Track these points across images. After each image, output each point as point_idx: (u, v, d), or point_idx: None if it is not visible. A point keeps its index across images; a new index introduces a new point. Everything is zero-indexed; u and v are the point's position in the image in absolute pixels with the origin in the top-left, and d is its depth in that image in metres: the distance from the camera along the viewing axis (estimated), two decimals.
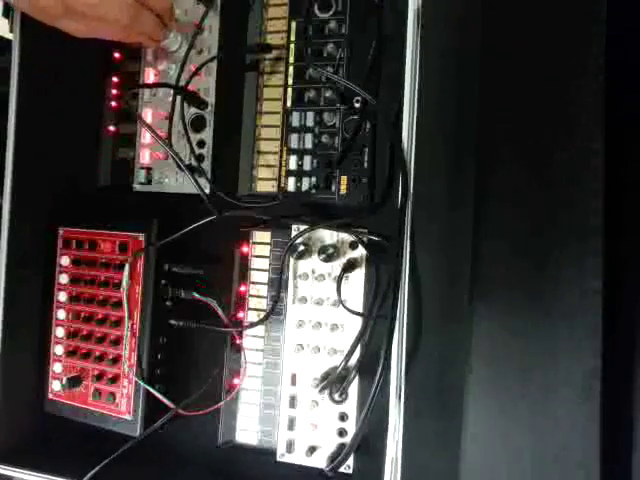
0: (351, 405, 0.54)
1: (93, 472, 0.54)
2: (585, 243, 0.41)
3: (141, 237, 0.59)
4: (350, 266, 0.54)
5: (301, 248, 0.54)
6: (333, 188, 0.56)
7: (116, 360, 0.59)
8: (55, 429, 0.63)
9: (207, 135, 0.61)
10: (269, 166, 0.59)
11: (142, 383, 0.57)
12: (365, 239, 0.54)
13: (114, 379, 0.59)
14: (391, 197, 0.53)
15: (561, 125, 0.43)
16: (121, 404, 0.59)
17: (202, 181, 0.57)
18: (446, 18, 0.49)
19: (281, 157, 0.58)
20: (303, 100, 0.58)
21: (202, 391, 0.58)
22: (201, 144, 0.61)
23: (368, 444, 0.52)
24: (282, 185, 0.58)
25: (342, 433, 0.54)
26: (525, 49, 0.45)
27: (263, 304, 0.58)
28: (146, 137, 0.63)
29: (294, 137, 0.58)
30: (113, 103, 0.65)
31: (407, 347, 0.47)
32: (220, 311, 0.57)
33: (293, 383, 0.56)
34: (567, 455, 0.40)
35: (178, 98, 0.58)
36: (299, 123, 0.58)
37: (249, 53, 0.60)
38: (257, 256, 0.59)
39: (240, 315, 0.59)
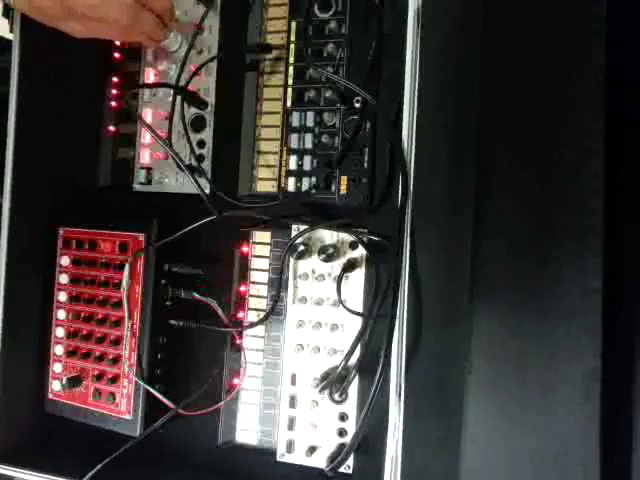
0: (351, 405, 0.54)
1: (93, 472, 0.54)
2: (585, 243, 0.41)
3: (141, 237, 0.59)
4: (350, 266, 0.54)
5: (301, 248, 0.54)
6: (333, 188, 0.56)
7: (116, 360, 0.59)
8: (55, 429, 0.63)
9: (207, 135, 0.61)
10: (269, 166, 0.59)
11: (142, 383, 0.57)
12: (365, 239, 0.54)
13: (114, 379, 0.59)
14: (391, 197, 0.53)
15: (561, 125, 0.43)
16: (121, 404, 0.59)
17: (202, 181, 0.57)
18: (446, 18, 0.49)
19: (281, 157, 0.58)
20: (303, 100, 0.58)
21: (202, 391, 0.58)
22: (201, 144, 0.61)
23: (368, 444, 0.52)
24: (282, 185, 0.58)
25: (342, 433, 0.54)
26: (525, 49, 0.45)
27: (263, 304, 0.58)
28: (146, 137, 0.63)
29: (294, 137, 0.58)
30: (113, 103, 0.65)
31: (407, 346, 0.47)
32: (220, 311, 0.57)
33: (293, 383, 0.56)
34: (567, 455, 0.40)
35: (178, 98, 0.58)
36: (299, 123, 0.58)
37: (249, 53, 0.60)
38: (257, 256, 0.59)
39: (240, 315, 0.59)
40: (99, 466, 0.55)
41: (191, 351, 0.62)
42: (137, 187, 0.63)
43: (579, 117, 0.43)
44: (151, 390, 0.56)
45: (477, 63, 0.46)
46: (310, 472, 0.55)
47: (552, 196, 0.43)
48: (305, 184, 0.57)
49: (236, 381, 0.58)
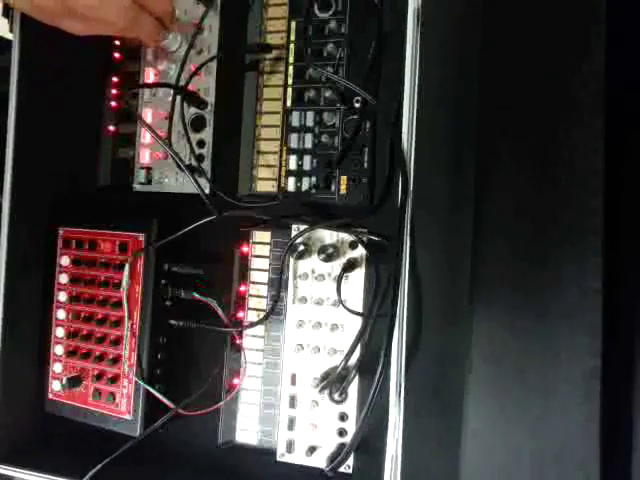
0: (351, 405, 0.54)
1: (93, 472, 0.54)
2: (585, 243, 0.41)
3: (141, 237, 0.59)
4: (350, 266, 0.54)
5: (301, 248, 0.54)
6: (333, 188, 0.56)
7: (116, 360, 0.59)
8: (55, 429, 0.63)
9: (207, 135, 0.61)
10: (269, 166, 0.59)
11: (142, 383, 0.57)
12: (365, 239, 0.54)
13: (114, 379, 0.59)
14: (391, 197, 0.53)
15: (561, 124, 0.43)
16: (121, 404, 0.59)
17: (202, 181, 0.57)
18: (446, 17, 0.49)
19: (281, 157, 0.58)
20: (303, 100, 0.58)
21: (202, 391, 0.58)
22: (201, 144, 0.61)
23: (368, 444, 0.52)
24: (282, 185, 0.58)
25: (342, 433, 0.54)
26: (525, 48, 0.45)
27: (263, 304, 0.58)
28: (146, 137, 0.63)
29: (294, 137, 0.58)
30: (113, 103, 0.65)
31: (407, 346, 0.47)
32: (220, 311, 0.57)
33: (293, 383, 0.56)
34: (567, 455, 0.40)
35: (178, 98, 0.58)
36: (299, 123, 0.58)
37: (249, 53, 0.60)
38: (257, 256, 0.59)
39: (240, 315, 0.59)
40: (99, 466, 0.55)
41: (191, 351, 0.62)
42: (137, 187, 0.63)
43: (579, 116, 0.43)
44: (151, 390, 0.56)
45: (477, 62, 0.46)
46: (310, 472, 0.55)
47: (552, 196, 0.43)
48: (305, 184, 0.57)
49: (236, 381, 0.58)
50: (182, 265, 0.60)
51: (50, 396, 0.63)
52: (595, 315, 0.40)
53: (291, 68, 0.58)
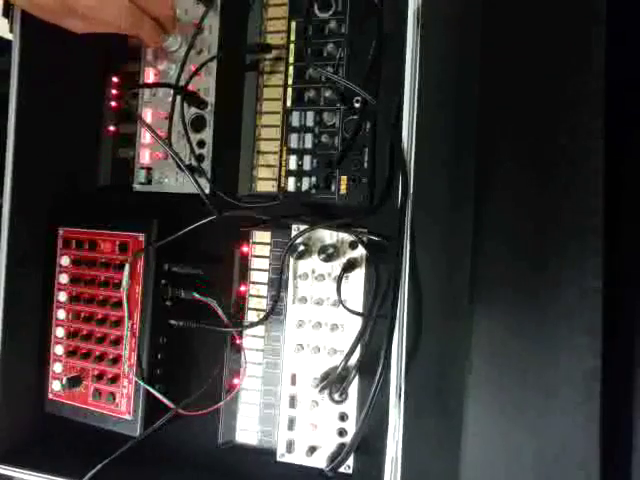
0: (351, 405, 0.54)
1: (93, 472, 0.54)
2: (585, 243, 0.41)
3: (141, 237, 0.59)
4: (350, 266, 0.54)
5: (301, 248, 0.54)
6: (333, 188, 0.56)
7: (116, 360, 0.59)
8: (55, 429, 0.63)
9: (207, 135, 0.61)
10: (269, 166, 0.59)
11: (142, 383, 0.57)
12: (365, 239, 0.54)
13: (114, 379, 0.59)
14: (391, 197, 0.53)
15: (561, 124, 0.43)
16: (121, 404, 0.59)
17: (202, 181, 0.57)
18: (446, 18, 0.49)
19: (281, 157, 0.58)
20: (303, 100, 0.58)
21: (202, 391, 0.58)
22: (201, 144, 0.61)
23: (368, 444, 0.52)
24: (282, 185, 0.58)
25: (342, 433, 0.54)
26: (525, 48, 0.45)
27: (263, 304, 0.58)
28: (146, 137, 0.63)
29: (294, 137, 0.58)
30: (113, 103, 0.65)
31: (407, 346, 0.47)
32: (220, 311, 0.57)
33: (293, 383, 0.56)
34: (567, 455, 0.40)
35: (178, 98, 0.58)
36: (299, 123, 0.58)
37: (249, 53, 0.60)
38: (257, 256, 0.59)
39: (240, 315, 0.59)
40: (99, 466, 0.55)
41: (191, 351, 0.62)
42: (137, 187, 0.63)
43: (579, 116, 0.43)
44: (151, 390, 0.56)
45: (477, 63, 0.46)
46: (310, 472, 0.55)
47: (552, 196, 0.43)
48: (305, 184, 0.57)
49: (236, 381, 0.58)
50: (182, 265, 0.60)
51: (50, 396, 0.63)
52: (595, 315, 0.40)
53: (291, 68, 0.58)
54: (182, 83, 0.57)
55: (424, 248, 0.48)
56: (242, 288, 0.59)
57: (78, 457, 0.58)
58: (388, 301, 0.49)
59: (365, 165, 0.55)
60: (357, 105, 0.55)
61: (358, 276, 0.55)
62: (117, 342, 0.59)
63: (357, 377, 0.53)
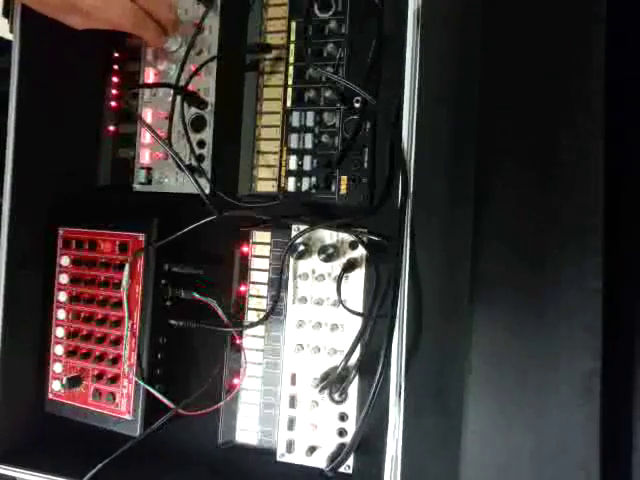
0: (351, 405, 0.54)
1: (93, 472, 0.54)
2: (585, 243, 0.41)
3: (141, 237, 0.59)
4: (350, 266, 0.54)
5: (301, 248, 0.54)
6: (333, 188, 0.56)
7: (116, 360, 0.59)
8: (55, 429, 0.63)
9: (207, 135, 0.61)
10: (269, 166, 0.59)
11: (142, 383, 0.57)
12: (365, 239, 0.54)
13: (114, 379, 0.59)
14: (391, 197, 0.53)
15: (561, 124, 0.43)
16: (121, 404, 0.59)
17: (202, 181, 0.57)
18: (446, 18, 0.49)
19: (281, 157, 0.58)
20: (303, 100, 0.58)
21: (202, 391, 0.58)
22: (201, 144, 0.61)
23: (368, 444, 0.52)
24: (282, 185, 0.58)
25: (342, 433, 0.54)
26: (525, 48, 0.45)
27: (263, 304, 0.58)
28: (146, 137, 0.63)
29: (294, 137, 0.58)
30: (113, 103, 0.65)
31: (407, 346, 0.47)
32: (220, 311, 0.57)
33: (293, 383, 0.56)
34: (567, 455, 0.40)
35: (178, 98, 0.58)
36: (299, 123, 0.58)
37: (249, 53, 0.60)
38: (257, 256, 0.59)
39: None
40: (99, 466, 0.55)
41: (191, 351, 0.62)
42: (137, 187, 0.63)
43: (579, 116, 0.43)
44: (151, 390, 0.56)
45: (477, 63, 0.46)
46: (310, 472, 0.55)
47: (552, 196, 0.43)
48: (305, 184, 0.57)
49: (236, 381, 0.58)
50: (182, 265, 0.60)
51: (50, 396, 0.63)
52: (595, 315, 0.40)
53: (291, 68, 0.58)
54: (182, 83, 0.57)
55: (424, 248, 0.48)
56: (242, 288, 0.59)
57: (78, 457, 0.58)
58: (388, 301, 0.49)
59: (365, 165, 0.55)
60: (357, 105, 0.55)
61: (358, 276, 0.55)
62: (117, 342, 0.59)
63: (357, 377, 0.53)
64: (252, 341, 0.58)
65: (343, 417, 0.54)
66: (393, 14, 0.53)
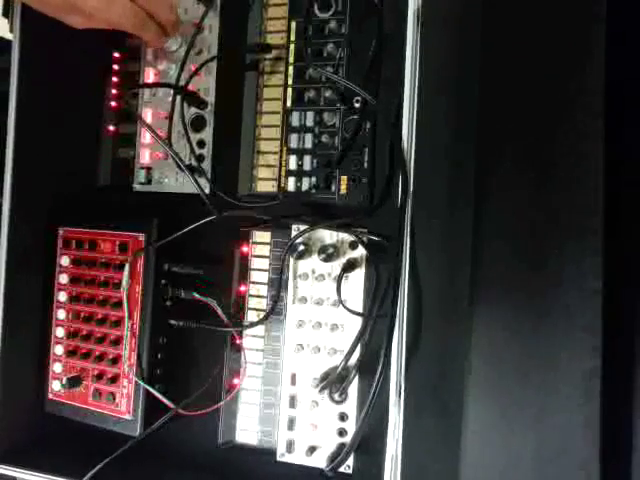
0: (351, 405, 0.54)
1: (93, 472, 0.54)
2: (585, 243, 0.41)
3: (141, 237, 0.59)
4: (350, 266, 0.54)
5: (301, 248, 0.54)
6: (333, 188, 0.56)
7: (116, 360, 0.59)
8: (55, 429, 0.63)
9: (207, 135, 0.61)
10: (269, 166, 0.59)
11: (142, 383, 0.57)
12: (365, 239, 0.54)
13: (114, 379, 0.59)
14: (391, 197, 0.53)
15: (561, 124, 0.43)
16: (121, 404, 0.59)
17: (202, 181, 0.57)
18: (446, 17, 0.49)
19: (281, 157, 0.58)
20: (303, 100, 0.58)
21: (202, 391, 0.58)
22: (201, 144, 0.61)
23: (368, 444, 0.52)
24: (282, 185, 0.58)
25: (342, 433, 0.54)
26: (525, 48, 0.45)
27: (263, 304, 0.58)
28: (146, 137, 0.63)
29: (294, 137, 0.58)
30: (113, 103, 0.65)
31: (407, 346, 0.47)
32: (220, 311, 0.57)
33: (293, 383, 0.56)
34: (567, 455, 0.40)
35: (178, 98, 0.58)
36: (299, 123, 0.58)
37: (249, 53, 0.60)
38: (257, 256, 0.59)
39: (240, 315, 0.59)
40: (99, 466, 0.55)
41: (191, 351, 0.62)
42: (137, 187, 0.63)
43: (579, 116, 0.43)
44: (151, 390, 0.56)
45: (477, 62, 0.46)
46: (310, 472, 0.55)
47: (552, 196, 0.43)
48: (305, 184, 0.57)
49: (236, 381, 0.58)
50: (182, 265, 0.60)
51: (50, 396, 0.63)
52: (595, 315, 0.40)
53: (291, 68, 0.58)
54: (182, 83, 0.57)
55: (424, 248, 0.48)
56: (242, 288, 0.59)
57: (78, 457, 0.58)
58: (388, 301, 0.49)
59: (365, 165, 0.55)
60: (357, 105, 0.55)
61: (358, 276, 0.55)
62: (117, 342, 0.59)
63: (357, 377, 0.53)
64: (252, 341, 0.58)
65: (343, 417, 0.54)
66: (393, 13, 0.53)
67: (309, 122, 0.57)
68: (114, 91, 0.65)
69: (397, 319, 0.48)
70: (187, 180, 0.59)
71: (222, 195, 0.56)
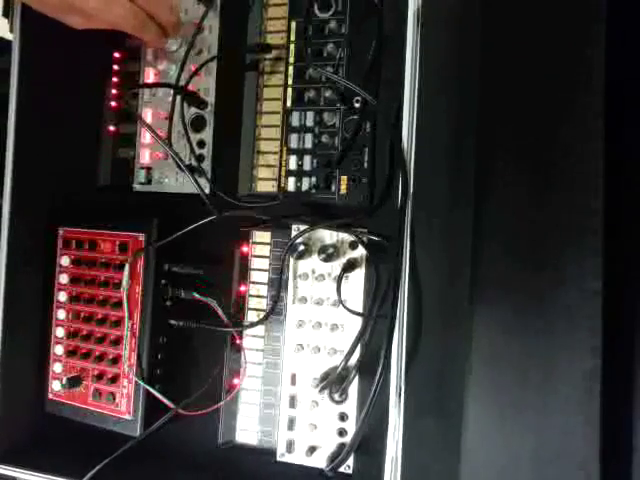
0: (351, 405, 0.54)
1: (93, 472, 0.54)
2: (585, 243, 0.41)
3: (141, 237, 0.59)
4: (350, 266, 0.54)
5: (301, 248, 0.54)
6: (333, 188, 0.56)
7: (116, 360, 0.59)
8: (55, 429, 0.63)
9: (207, 135, 0.61)
10: (269, 166, 0.59)
11: (142, 383, 0.57)
12: (365, 239, 0.54)
13: (114, 379, 0.59)
14: (391, 197, 0.53)
15: (561, 124, 0.43)
16: (121, 404, 0.59)
17: (202, 181, 0.57)
18: (446, 18, 0.49)
19: (281, 157, 0.58)
20: (303, 100, 0.58)
21: (202, 391, 0.58)
22: (201, 144, 0.61)
23: (368, 444, 0.52)
24: (282, 185, 0.58)
25: (342, 433, 0.54)
26: (525, 48, 0.45)
27: (263, 304, 0.58)
28: (146, 137, 0.63)
29: (294, 137, 0.58)
30: (113, 103, 0.65)
31: (407, 347, 0.47)
32: (220, 311, 0.57)
33: (293, 383, 0.56)
34: (567, 455, 0.40)
35: (178, 98, 0.58)
36: (299, 123, 0.58)
37: (249, 53, 0.60)
38: (257, 256, 0.59)
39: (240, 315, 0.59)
40: (99, 466, 0.55)
41: (191, 351, 0.62)
42: (137, 187, 0.63)
43: (579, 116, 0.43)
44: (151, 390, 0.56)
45: (477, 63, 0.46)
46: (310, 472, 0.55)
47: (552, 196, 0.43)
48: (305, 184, 0.57)
49: (236, 381, 0.58)
50: (182, 265, 0.60)
51: (50, 396, 0.63)
52: (595, 315, 0.40)
53: (291, 68, 0.58)
54: (182, 83, 0.57)
55: (424, 248, 0.48)
56: (242, 288, 0.59)
57: (78, 457, 0.58)
58: (388, 301, 0.49)
59: (365, 165, 0.55)
60: (357, 105, 0.55)
61: (358, 276, 0.55)
62: (117, 342, 0.59)
63: (357, 377, 0.53)
64: (252, 341, 0.58)
65: (343, 417, 0.54)
66: (393, 14, 0.53)
67: (309, 122, 0.57)
68: (114, 91, 0.65)
69: (397, 319, 0.48)
70: (187, 180, 0.59)
71: (222, 195, 0.56)
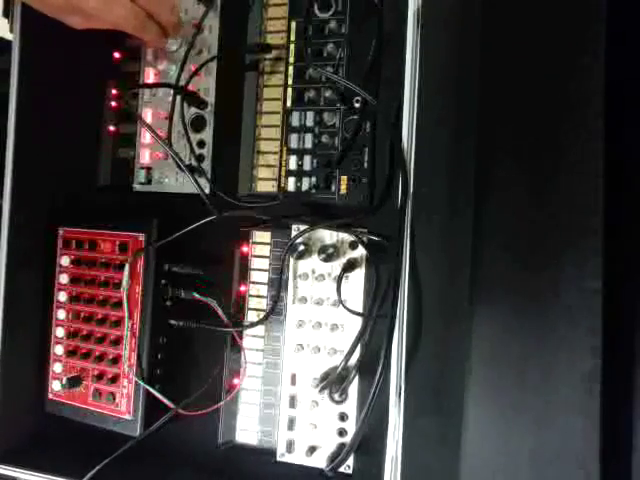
0: (351, 405, 0.54)
1: (93, 472, 0.54)
2: (585, 243, 0.41)
3: (141, 237, 0.59)
4: (350, 266, 0.54)
5: (301, 248, 0.54)
6: (333, 188, 0.56)
7: (116, 360, 0.59)
8: (55, 429, 0.63)
9: (207, 135, 0.61)
10: (269, 166, 0.59)
11: (142, 383, 0.57)
12: (365, 239, 0.54)
13: (114, 379, 0.59)
14: (391, 197, 0.53)
15: (561, 124, 0.43)
16: (121, 404, 0.59)
17: (202, 181, 0.57)
18: (446, 18, 0.49)
19: (281, 157, 0.58)
20: (303, 100, 0.58)
21: (202, 391, 0.58)
22: (201, 144, 0.61)
23: (368, 444, 0.52)
24: (282, 185, 0.58)
25: (342, 433, 0.54)
26: (525, 48, 0.45)
27: (263, 304, 0.58)
28: (146, 137, 0.63)
29: (294, 137, 0.58)
30: (113, 103, 0.65)
31: (407, 346, 0.47)
32: (220, 311, 0.57)
33: (293, 383, 0.56)
34: (567, 455, 0.40)
35: (178, 98, 0.58)
36: (299, 123, 0.58)
37: (249, 53, 0.60)
38: (257, 256, 0.59)
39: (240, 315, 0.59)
40: (99, 466, 0.55)
41: (191, 351, 0.62)
42: (137, 187, 0.63)
43: (579, 116, 0.43)
44: (151, 390, 0.56)
45: (477, 63, 0.46)
46: (310, 472, 0.55)
47: (552, 196, 0.43)
48: (305, 184, 0.57)
49: (236, 381, 0.58)
50: (182, 265, 0.60)
51: (50, 396, 0.63)
52: (595, 315, 0.40)
53: (291, 68, 0.58)
54: (182, 83, 0.57)
55: (424, 248, 0.48)
56: (242, 288, 0.59)
57: (78, 457, 0.58)
58: (388, 301, 0.49)
59: (365, 165, 0.55)
60: (357, 105, 0.55)
61: (358, 276, 0.55)
62: (117, 342, 0.59)
63: (357, 377, 0.53)
64: (252, 341, 0.58)
65: (343, 417, 0.54)
66: (393, 14, 0.53)
67: (309, 122, 0.57)
68: (114, 91, 0.65)
69: (397, 319, 0.48)
70: (187, 180, 0.59)
71: (222, 195, 0.56)
